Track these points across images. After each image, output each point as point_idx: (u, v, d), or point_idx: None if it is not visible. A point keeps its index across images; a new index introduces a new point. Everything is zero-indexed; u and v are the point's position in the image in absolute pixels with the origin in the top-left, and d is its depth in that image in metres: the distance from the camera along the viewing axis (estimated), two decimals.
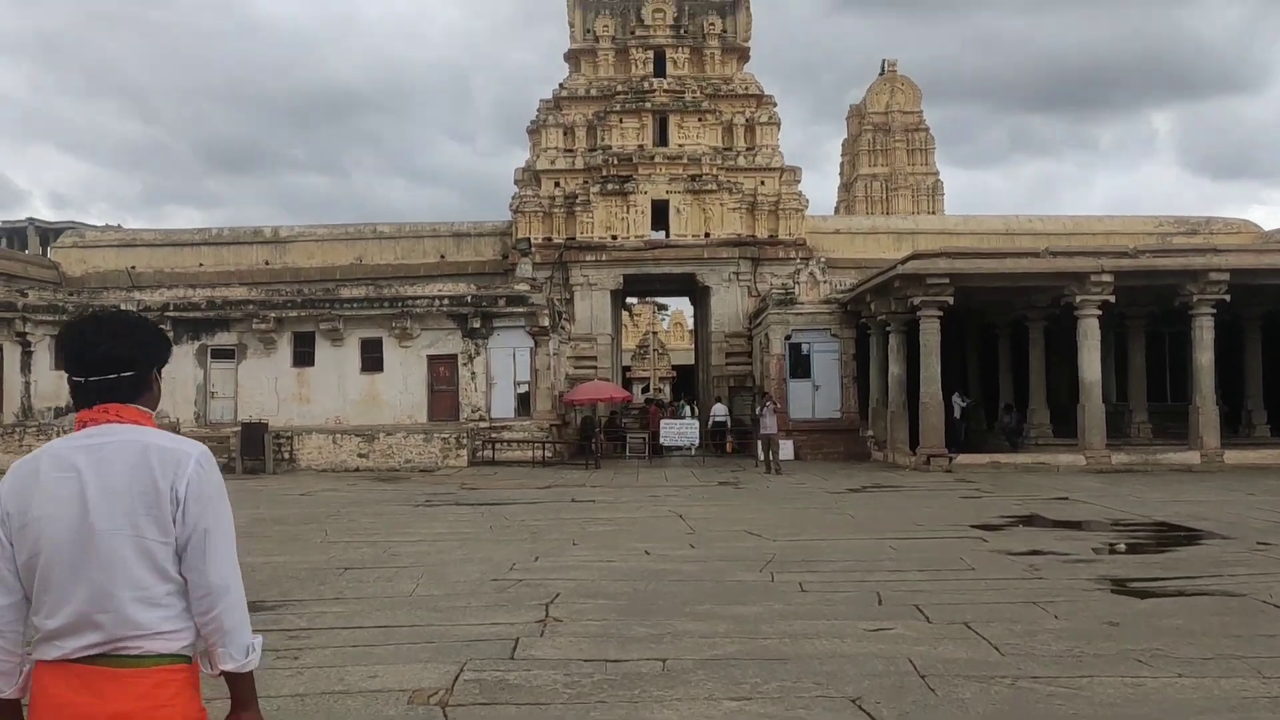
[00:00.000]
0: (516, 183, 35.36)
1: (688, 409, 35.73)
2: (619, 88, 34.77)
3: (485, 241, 36.13)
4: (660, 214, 33.71)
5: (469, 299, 26.34)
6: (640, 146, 33.93)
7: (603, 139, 34.34)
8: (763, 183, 34.39)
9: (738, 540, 10.92)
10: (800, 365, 27.78)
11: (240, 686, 2.14)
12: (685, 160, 33.71)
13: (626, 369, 48.77)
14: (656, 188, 33.56)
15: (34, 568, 2.07)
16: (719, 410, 31.19)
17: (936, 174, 57.18)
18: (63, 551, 2.05)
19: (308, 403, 26.26)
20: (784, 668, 5.53)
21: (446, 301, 26.28)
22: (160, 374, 2.29)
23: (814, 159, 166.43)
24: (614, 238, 33.41)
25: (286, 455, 23.73)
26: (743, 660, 5.70)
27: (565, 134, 34.87)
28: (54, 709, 2.03)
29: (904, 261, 22.22)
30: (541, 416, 26.16)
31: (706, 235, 33.54)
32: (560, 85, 35.76)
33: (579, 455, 26.48)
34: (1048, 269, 21.87)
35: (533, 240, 32.50)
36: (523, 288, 26.74)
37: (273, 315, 26.21)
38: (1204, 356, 21.95)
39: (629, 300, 45.36)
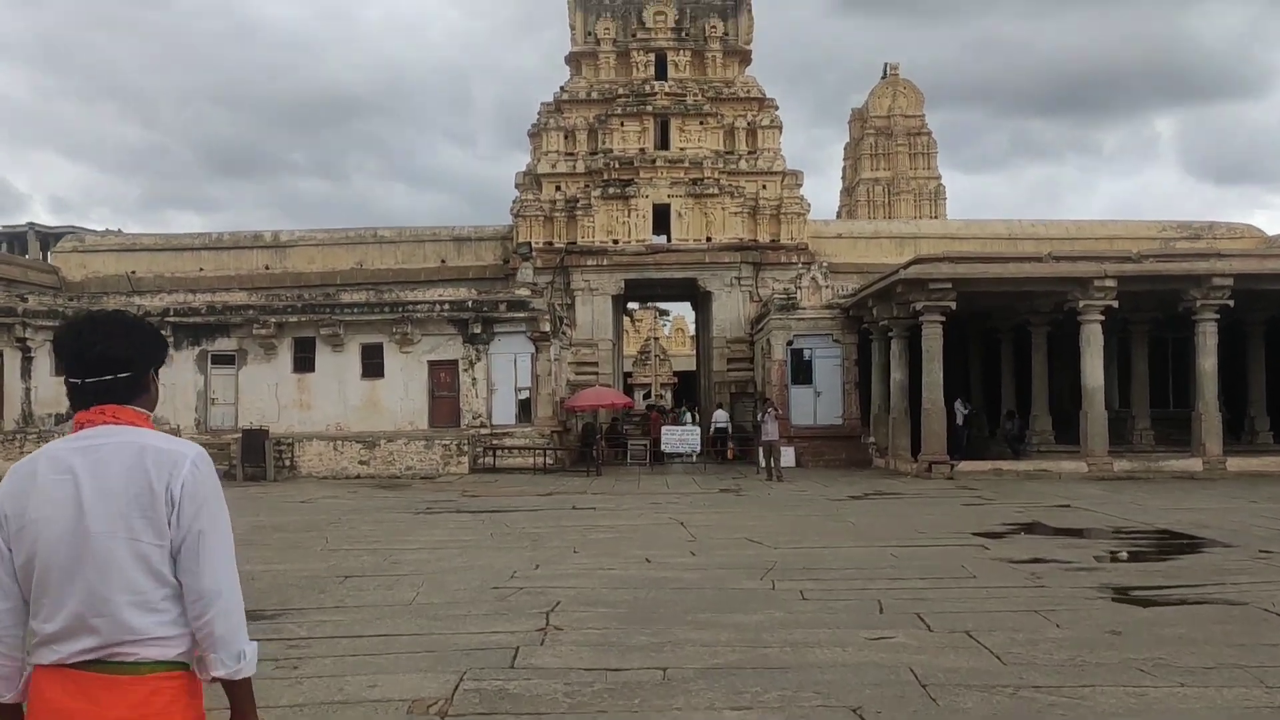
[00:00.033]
0: (517, 186, 35.38)
1: (688, 415, 35.71)
2: (620, 91, 34.78)
3: (486, 246, 36.14)
4: (661, 218, 33.71)
5: (470, 304, 26.32)
6: (641, 150, 33.94)
7: (604, 142, 34.36)
8: (764, 187, 34.39)
9: (739, 548, 10.89)
10: (802, 371, 27.74)
11: (236, 694, 2.12)
12: (686, 164, 33.71)
13: (628, 375, 48.76)
14: (658, 192, 33.57)
15: (31, 571, 2.06)
16: (720, 416, 31.15)
17: (939, 178, 57.21)
18: (58, 555, 2.03)
19: (308, 409, 26.24)
20: (785, 677, 5.50)
21: (447, 307, 26.26)
22: (158, 375, 2.28)
23: (816, 163, 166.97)
24: (615, 242, 33.41)
25: (287, 462, 23.71)
26: (744, 669, 5.67)
27: (566, 137, 34.88)
28: (51, 715, 2.01)
29: (906, 266, 22.19)
30: (542, 423, 26.13)
31: (708, 240, 33.54)
32: (561, 88, 35.79)
33: (580, 462, 26.44)
34: (1051, 274, 21.84)
35: (534, 244, 32.52)
36: (523, 293, 26.73)
37: (273, 320, 26.20)
38: (1207, 362, 21.90)
39: (630, 305, 45.38)
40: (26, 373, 26.33)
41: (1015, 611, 7.23)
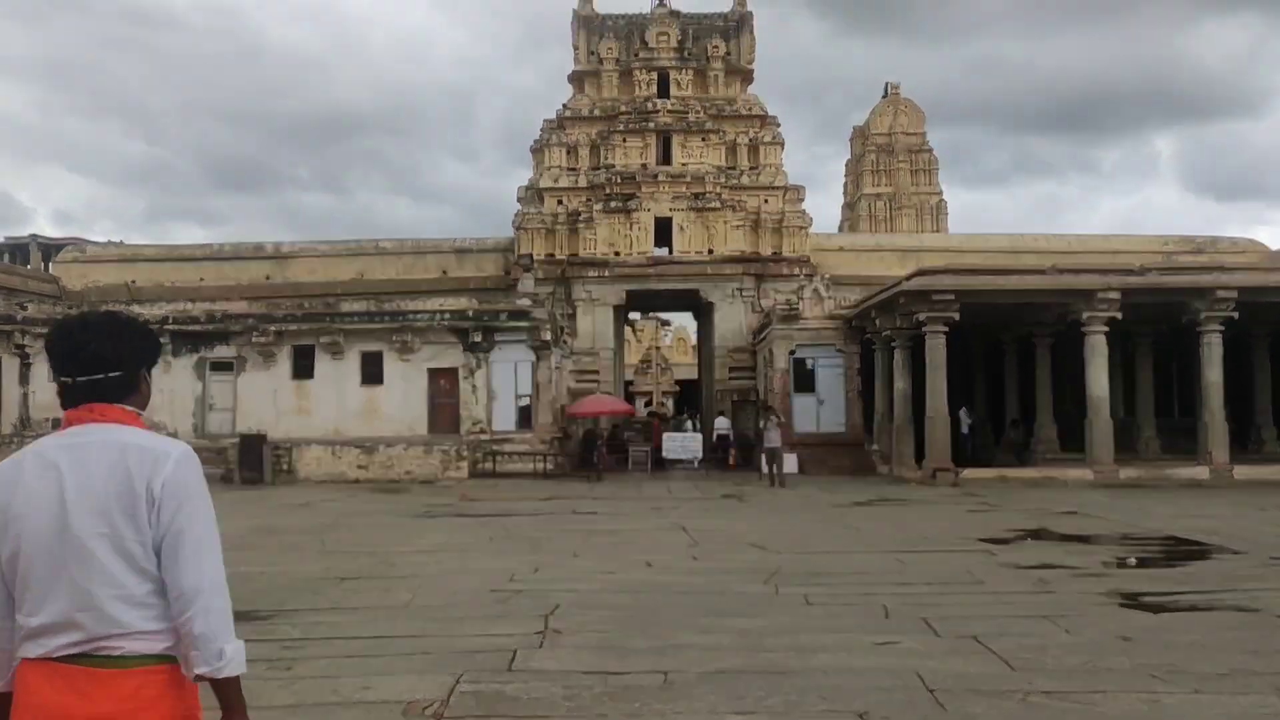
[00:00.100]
0: (519, 200, 35.38)
1: (689, 423, 35.63)
2: (623, 108, 34.85)
3: (487, 257, 36.09)
4: (663, 231, 33.70)
5: (470, 314, 26.26)
6: (643, 165, 33.95)
7: (606, 158, 34.38)
8: (766, 201, 34.39)
9: (741, 553, 10.76)
10: (804, 380, 27.65)
11: (223, 693, 2.08)
12: (689, 179, 33.72)
13: (629, 384, 48.65)
14: (660, 205, 33.57)
15: (16, 566, 2.06)
16: (722, 423, 31.05)
17: (940, 194, 57.27)
18: (42, 550, 2.04)
19: (307, 415, 26.14)
20: (788, 681, 5.38)
21: (448, 316, 26.20)
22: (150, 375, 2.25)
23: (818, 179, 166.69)
24: (617, 254, 33.38)
25: (285, 466, 23.60)
26: (746, 673, 5.55)
27: (568, 153, 34.91)
28: (37, 708, 2.00)
29: (909, 278, 22.12)
30: (543, 430, 26.03)
31: (710, 252, 33.51)
32: (564, 105, 35.86)
33: (581, 468, 26.34)
34: (1054, 286, 21.76)
35: (535, 256, 32.46)
36: (524, 302, 26.67)
37: (272, 329, 26.15)
38: (1212, 374, 21.82)
39: (632, 316, 45.32)
40: (24, 379, 26.36)
41: (1023, 617, 7.10)
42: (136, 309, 26.85)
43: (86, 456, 2.06)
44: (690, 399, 47.39)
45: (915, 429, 23.21)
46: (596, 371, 32.58)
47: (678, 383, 55.23)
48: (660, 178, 33.66)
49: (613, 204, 33.52)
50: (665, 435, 29.92)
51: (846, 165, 61.88)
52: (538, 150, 35.48)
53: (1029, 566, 9.54)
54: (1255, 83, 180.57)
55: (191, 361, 26.40)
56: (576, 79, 36.20)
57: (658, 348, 58.09)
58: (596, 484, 22.66)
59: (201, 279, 35.99)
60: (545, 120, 35.77)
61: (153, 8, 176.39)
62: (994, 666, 5.67)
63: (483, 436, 25.66)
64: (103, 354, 2.13)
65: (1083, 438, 22.21)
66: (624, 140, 34.14)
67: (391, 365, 26.25)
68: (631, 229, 33.40)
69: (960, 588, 8.43)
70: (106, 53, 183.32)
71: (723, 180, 34.01)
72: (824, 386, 27.58)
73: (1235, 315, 21.57)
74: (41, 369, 25.88)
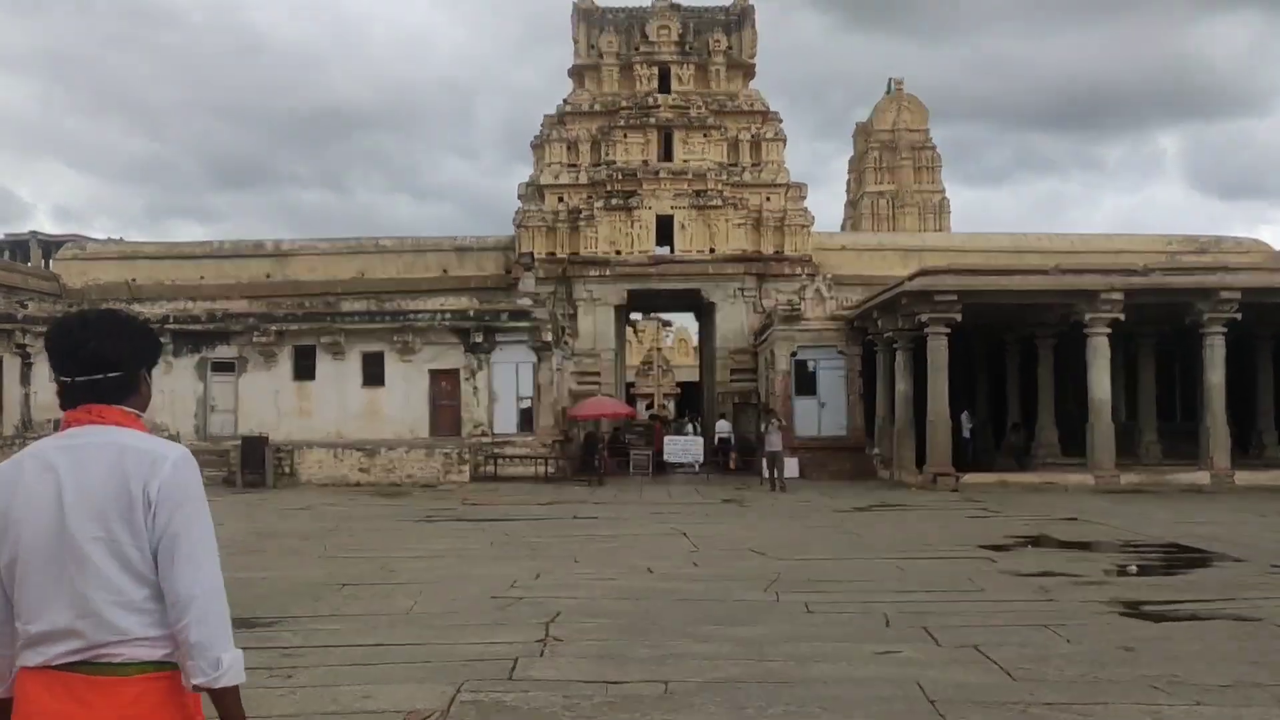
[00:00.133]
0: (520, 197, 35.34)
1: (690, 426, 35.65)
2: (623, 103, 34.78)
3: (488, 256, 36.06)
4: (665, 229, 33.65)
5: (471, 314, 26.23)
6: (644, 162, 33.90)
7: (607, 154, 34.33)
8: (768, 199, 34.34)
9: (742, 559, 10.76)
10: (806, 382, 27.62)
11: (222, 703, 2.04)
12: (690, 176, 33.66)
13: (630, 385, 48.61)
14: (661, 203, 33.53)
15: (14, 571, 2.03)
16: (723, 427, 31.04)
17: (943, 192, 57.16)
18: (40, 554, 2.00)
19: (308, 416, 26.13)
20: (789, 691, 5.37)
21: (449, 316, 26.18)
22: (150, 375, 2.22)
23: (820, 176, 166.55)
24: (618, 253, 33.35)
25: (287, 469, 23.58)
26: (747, 683, 5.53)
27: (569, 149, 34.86)
28: (37, 717, 1.97)
29: (911, 278, 22.09)
30: (544, 432, 26.01)
31: (711, 251, 33.47)
32: (564, 100, 35.79)
33: (582, 471, 26.32)
34: (1057, 286, 21.72)
35: (536, 255, 32.43)
36: (525, 303, 26.64)
37: (273, 328, 26.13)
38: (1215, 376, 21.76)
39: (633, 316, 45.29)
40: (25, 378, 26.33)
41: (1024, 626, 7.08)
42: (137, 307, 26.84)
43: (84, 459, 2.03)
44: (691, 401, 47.36)
45: (916, 432, 23.18)
46: (598, 373, 32.56)
47: (679, 384, 55.18)
48: (661, 174, 33.62)
49: (614, 201, 33.48)
50: (666, 439, 29.91)
51: (849, 162, 61.80)
52: (538, 146, 35.43)
53: (1030, 574, 9.52)
54: (1260, 80, 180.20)
55: (193, 362, 26.39)
56: (577, 73, 36.15)
57: (659, 349, 58.05)
58: (597, 488, 22.65)
59: (202, 277, 35.98)
60: (546, 116, 35.71)
61: (153, 3, 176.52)
62: (995, 677, 5.66)
63: (484, 439, 25.65)
64: (102, 353, 2.10)
65: (1084, 441, 22.16)
66: (625, 136, 34.09)
67: (393, 366, 26.24)
68: (633, 227, 33.37)
69: (961, 595, 8.42)
70: (107, 48, 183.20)
71: (724, 177, 33.97)
72: (825, 389, 27.54)
73: (1238, 317, 21.51)
74: (43, 369, 25.87)
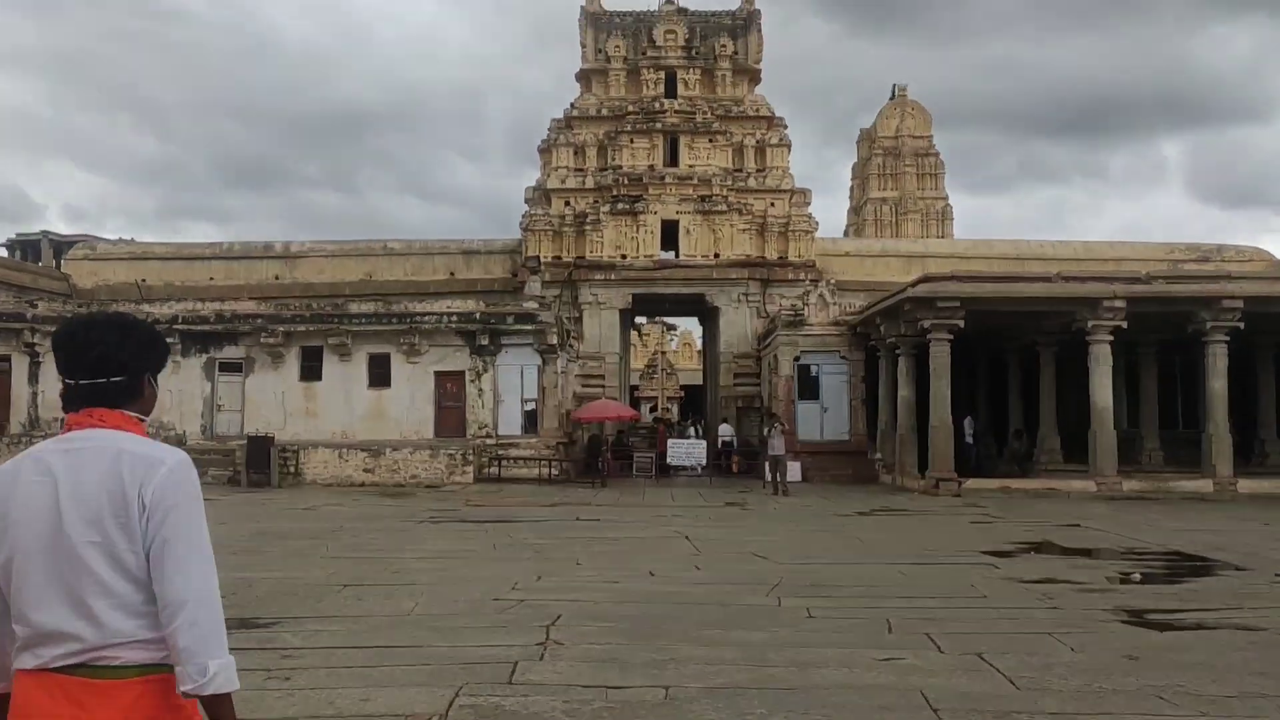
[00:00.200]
0: (527, 201, 35.38)
1: (693, 429, 35.62)
2: (630, 108, 34.82)
3: (495, 259, 36.12)
4: (670, 234, 33.68)
5: (477, 316, 26.27)
6: (650, 167, 33.94)
7: (613, 159, 34.37)
8: (773, 204, 34.35)
9: (744, 563, 10.74)
10: (808, 387, 27.61)
11: (212, 711, 2.02)
12: (695, 181, 33.69)
13: (634, 388, 48.62)
14: (666, 208, 33.55)
15: (11, 572, 2.03)
16: (725, 430, 31.05)
17: (946, 199, 57.18)
18: (37, 557, 2.00)
19: (314, 417, 26.19)
20: (791, 698, 5.34)
21: (455, 318, 26.23)
22: (155, 380, 2.21)
23: (824, 182, 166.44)
24: (623, 257, 33.37)
25: (292, 469, 23.61)
26: (748, 689, 5.51)
27: (576, 153, 34.90)
28: None
29: (914, 285, 22.08)
30: (548, 434, 26.02)
31: (716, 256, 33.49)
32: (571, 105, 35.85)
33: (586, 473, 26.32)
34: (1059, 294, 21.70)
35: (542, 258, 32.46)
36: (531, 305, 26.67)
37: (281, 329, 26.19)
38: (1217, 384, 21.72)
39: (638, 320, 45.30)
40: (34, 377, 26.42)
41: (1028, 634, 7.05)
42: (146, 308, 26.94)
43: (82, 462, 2.02)
44: (695, 404, 47.36)
45: (919, 438, 23.15)
46: (602, 376, 32.57)
47: (683, 388, 55.19)
48: (667, 179, 33.65)
49: (620, 206, 33.51)
50: (670, 442, 29.93)
51: (853, 169, 61.83)
52: (545, 150, 35.48)
53: (1033, 581, 9.49)
54: (1264, 89, 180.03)
55: (200, 362, 26.47)
56: (584, 77, 36.19)
57: (663, 352, 58.06)
58: (601, 490, 22.65)
59: (211, 278, 36.08)
60: (553, 120, 35.77)
61: (163, 2, 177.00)
62: (999, 685, 5.63)
63: (488, 440, 25.67)
64: (107, 357, 2.10)
65: (1086, 448, 22.13)
66: (631, 141, 34.13)
67: (399, 367, 26.29)
68: (638, 231, 33.39)
69: (964, 602, 8.39)
70: (117, 47, 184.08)
71: (729, 183, 33.99)
72: (828, 394, 27.53)
73: (1241, 325, 21.50)
74: (51, 368, 25.94)
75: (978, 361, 28.30)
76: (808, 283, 30.75)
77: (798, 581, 9.30)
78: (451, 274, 35.75)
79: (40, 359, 26.22)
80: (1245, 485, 21.41)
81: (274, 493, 21.41)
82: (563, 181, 34.59)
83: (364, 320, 26.34)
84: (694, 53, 35.45)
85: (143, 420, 2.17)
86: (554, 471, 25.00)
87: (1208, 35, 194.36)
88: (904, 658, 6.25)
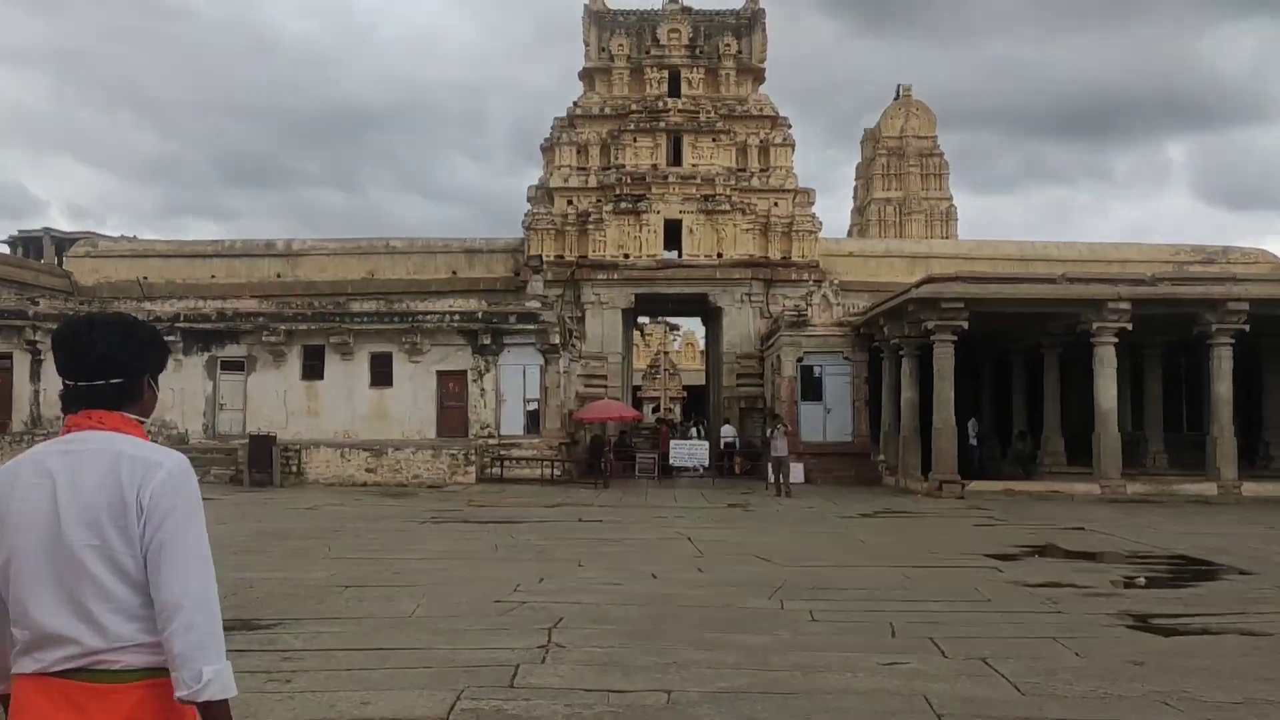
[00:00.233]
0: (529, 200, 35.35)
1: (695, 430, 35.60)
2: (633, 107, 34.78)
3: (497, 258, 36.09)
4: (673, 234, 33.63)
5: (480, 315, 26.25)
6: (654, 166, 33.90)
7: (616, 158, 34.33)
8: (776, 204, 34.30)
9: (746, 565, 10.70)
10: (811, 388, 27.56)
11: (209, 716, 1.98)
12: (699, 180, 33.65)
13: (637, 388, 48.58)
14: (669, 207, 33.51)
15: (9, 575, 2.01)
16: (728, 431, 31.02)
17: (950, 199, 57.08)
18: (35, 560, 1.99)
19: (317, 416, 26.18)
20: (794, 702, 5.31)
21: (457, 317, 26.21)
22: (156, 382, 2.19)
23: (828, 182, 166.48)
24: (626, 256, 33.33)
25: (294, 468, 23.60)
26: (751, 693, 5.48)
27: (579, 152, 34.87)
28: None
29: (918, 285, 22.04)
30: (551, 434, 26.00)
31: (719, 256, 33.45)
32: (574, 103, 35.80)
33: (588, 474, 26.30)
34: (1064, 295, 21.65)
35: (545, 258, 32.44)
36: (534, 305, 26.65)
37: (283, 328, 26.18)
38: (1222, 387, 21.66)
39: (640, 320, 45.26)
40: (36, 375, 26.42)
41: (1032, 638, 7.02)
42: (148, 306, 26.94)
43: (80, 465, 2.01)
44: (698, 405, 47.32)
45: (922, 439, 23.11)
46: (604, 376, 32.53)
47: (685, 388, 55.14)
48: (670, 179, 33.60)
49: (623, 205, 33.47)
50: (672, 442, 29.92)
51: (857, 169, 61.73)
52: (548, 149, 35.44)
53: (1037, 585, 9.45)
54: (1269, 90, 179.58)
55: (202, 360, 26.46)
56: (587, 76, 36.15)
57: (666, 352, 58.02)
58: (603, 491, 22.62)
59: (213, 276, 36.09)
60: (556, 118, 35.73)
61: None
62: (1003, 691, 5.59)
63: (491, 440, 25.65)
64: (107, 359, 2.08)
65: (1090, 450, 22.08)
66: (634, 140, 34.09)
67: (401, 367, 26.28)
68: (641, 231, 33.36)
69: (967, 606, 8.36)
70: (119, 44, 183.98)
71: (733, 182, 33.94)
72: (831, 395, 27.49)
73: (1246, 327, 21.43)
74: (52, 366, 25.91)
75: (981, 363, 28.24)
76: (811, 283, 30.70)
77: (800, 584, 9.27)
78: (454, 273, 35.74)
79: (42, 356, 26.23)
80: (1249, 488, 21.35)
81: (276, 492, 21.40)
82: (565, 180, 34.56)
83: (366, 319, 26.33)
84: (698, 51, 35.40)
85: (142, 422, 2.15)
86: (556, 472, 24.97)
87: (1213, 36, 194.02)
88: (907, 662, 6.21)
